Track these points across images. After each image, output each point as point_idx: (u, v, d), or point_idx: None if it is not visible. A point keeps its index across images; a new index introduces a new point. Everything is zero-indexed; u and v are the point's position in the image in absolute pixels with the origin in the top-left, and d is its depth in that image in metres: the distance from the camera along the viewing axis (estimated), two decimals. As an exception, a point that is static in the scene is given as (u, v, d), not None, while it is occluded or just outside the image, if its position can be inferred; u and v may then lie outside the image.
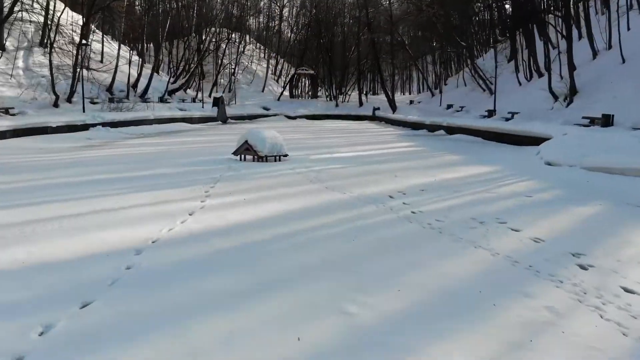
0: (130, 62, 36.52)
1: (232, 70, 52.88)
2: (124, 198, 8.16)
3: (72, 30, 37.67)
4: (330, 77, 54.98)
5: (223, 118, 36.42)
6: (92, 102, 30.84)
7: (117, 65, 35.12)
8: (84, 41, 30.68)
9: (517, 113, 24.59)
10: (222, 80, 52.91)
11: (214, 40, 48.67)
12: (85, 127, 22.67)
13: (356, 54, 50.42)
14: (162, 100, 38.39)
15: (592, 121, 17.77)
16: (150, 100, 37.10)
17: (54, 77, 29.25)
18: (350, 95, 54.88)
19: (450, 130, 25.26)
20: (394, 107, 39.89)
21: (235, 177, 10.64)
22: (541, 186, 9.93)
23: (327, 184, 9.86)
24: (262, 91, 57.20)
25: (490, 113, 27.37)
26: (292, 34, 65.61)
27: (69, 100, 29.51)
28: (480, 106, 33.47)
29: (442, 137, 23.61)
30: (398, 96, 69.08)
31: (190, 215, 7.08)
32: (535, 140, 16.77)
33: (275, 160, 13.41)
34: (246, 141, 13.24)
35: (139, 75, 37.66)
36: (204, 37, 45.88)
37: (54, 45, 30.39)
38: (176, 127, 27.51)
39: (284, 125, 34.64)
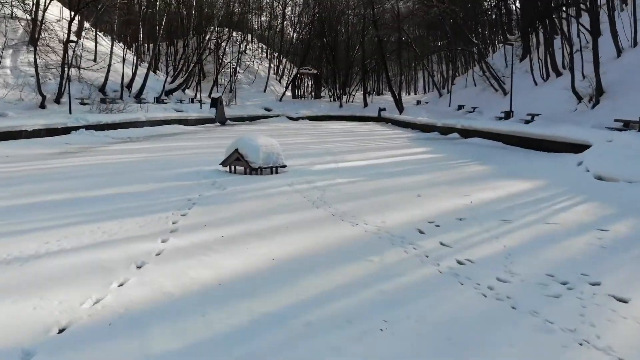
0: (124, 61, 34.28)
1: (233, 69, 50.64)
2: (57, 234, 5.88)
3: (63, 27, 35.56)
4: (334, 77, 52.69)
5: (222, 119, 34.18)
6: (82, 103, 28.68)
7: (110, 64, 32.92)
8: (72, 38, 28.49)
9: (537, 115, 22.25)
10: (222, 80, 50.70)
11: (213, 39, 46.42)
12: (66, 130, 20.42)
13: (361, 52, 48.11)
14: (158, 100, 36.18)
15: (627, 125, 15.43)
16: (145, 101, 34.90)
17: (42, 76, 27.12)
18: (354, 95, 52.58)
19: (465, 133, 22.94)
20: (400, 108, 37.58)
21: (217, 197, 8.36)
22: (608, 212, 7.62)
23: (334, 209, 7.58)
24: (264, 91, 54.98)
25: (507, 115, 25.03)
26: (295, 33, 63.35)
27: (57, 100, 27.36)
28: (494, 107, 31.15)
29: (456, 141, 21.30)
30: (404, 96, 66.70)
31: (137, 269, 4.81)
32: (570, 147, 14.43)
33: (271, 173, 11.13)
34: (236, 150, 10.96)
35: (134, 74, 35.42)
36: (204, 36, 43.60)
37: (39, 43, 28.20)
38: (169, 130, 25.28)
39: (285, 127, 32.37)
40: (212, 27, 41.76)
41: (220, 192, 8.85)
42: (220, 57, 48.30)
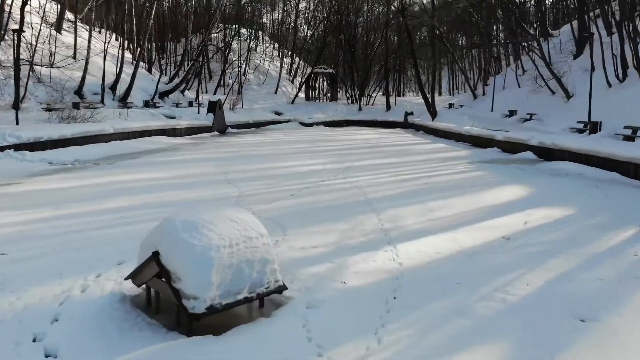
0: (105, 56, 27.53)
1: (240, 68, 43.76)
2: None
3: (44, 20, 28.95)
4: (352, 76, 45.52)
5: (221, 127, 27.34)
6: (48, 109, 22.06)
7: (87, 61, 26.25)
8: (53, 30, 21.88)
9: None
10: (230, 80, 43.85)
11: (215, 32, 39.54)
12: (-18, 151, 13.71)
13: (383, 47, 40.90)
14: (148, 104, 29.45)
15: None
16: (132, 105, 28.21)
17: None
18: (374, 97, 45.42)
19: (546, 153, 15.77)
20: (433, 113, 30.36)
21: None
22: None
23: None
24: (275, 93, 48.04)
25: (595, 126, 17.83)
26: (309, 29, 56.29)
27: (15, 106, 20.68)
28: (557, 115, 23.90)
29: (538, 166, 14.15)
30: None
31: None
32: None
33: (248, 311, 4.20)
34: (155, 256, 4.03)
35: (119, 73, 28.73)
36: (207, 31, 36.64)
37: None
38: (144, 146, 18.46)
39: (295, 137, 25.41)
40: (215, 21, 34.82)
41: None
42: (225, 55, 41.38)
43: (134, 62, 37.09)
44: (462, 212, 8.08)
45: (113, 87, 28.81)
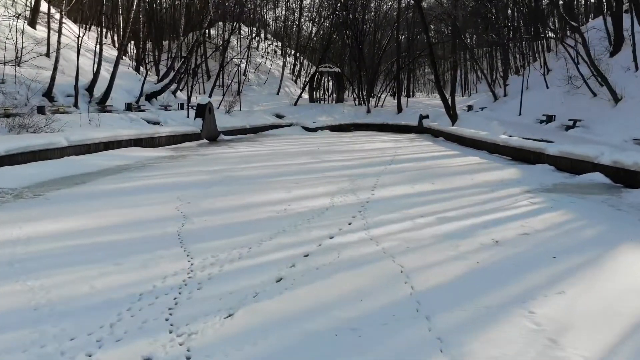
0: (79, 51, 23.39)
1: (239, 67, 39.61)
2: None
3: (16, 14, 24.81)
4: (360, 76, 41.23)
5: (210, 134, 23.17)
6: (6, 115, 18.03)
7: (57, 58, 22.12)
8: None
9: None
10: (228, 80, 39.66)
11: (211, 29, 35.38)
12: None
13: (393, 44, 36.59)
14: (130, 107, 25.34)
15: None
16: (111, 109, 24.11)
17: None
18: (383, 98, 41.12)
19: (627, 178, 11.48)
20: (454, 117, 26.07)
21: None
22: None
23: None
24: (277, 93, 43.87)
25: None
26: (314, 26, 52.04)
27: (-36, 110, 16.68)
28: (605, 121, 19.65)
29: (634, 203, 9.88)
30: (435, 99, 54.28)
31: None
32: None
33: None
34: None
35: (97, 72, 24.62)
36: (201, 26, 32.41)
37: None
38: (105, 163, 14.30)
39: (296, 145, 21.21)
40: (209, 15, 30.57)
41: None
42: (223, 52, 37.18)
43: (119, 58, 32.99)
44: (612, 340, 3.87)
45: (90, 88, 24.71)
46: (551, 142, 18.07)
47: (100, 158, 14.85)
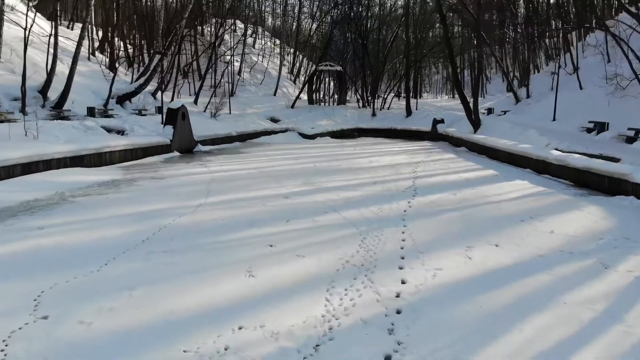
0: (26, 42, 18.78)
1: (228, 64, 34.98)
2: None
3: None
4: (364, 75, 36.51)
5: (184, 145, 18.53)
6: None
7: (-4, 53, 17.55)
8: None
9: None
10: (222, 79, 34.93)
11: (191, 21, 30.79)
12: None
13: (401, 41, 31.84)
14: (93, 113, 20.74)
15: None
16: (69, 115, 19.55)
17: None
18: (389, 100, 36.42)
19: None
20: (477, 122, 21.37)
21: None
22: None
23: None
24: (274, 94, 39.22)
25: None
26: (314, 22, 47.34)
27: None
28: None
29: None
30: (446, 100, 49.39)
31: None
32: None
33: None
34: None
35: (51, 70, 20.04)
36: (181, 17, 27.72)
37: None
38: (6, 197, 9.70)
39: (289, 160, 16.51)
40: (190, 4, 25.88)
41: None
42: (211, 49, 32.51)
43: (90, 55, 28.38)
44: None
45: (44, 90, 20.13)
46: (617, 159, 13.45)
47: (7, 188, 10.23)
